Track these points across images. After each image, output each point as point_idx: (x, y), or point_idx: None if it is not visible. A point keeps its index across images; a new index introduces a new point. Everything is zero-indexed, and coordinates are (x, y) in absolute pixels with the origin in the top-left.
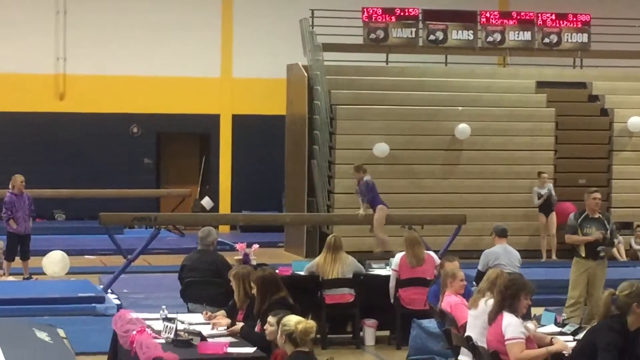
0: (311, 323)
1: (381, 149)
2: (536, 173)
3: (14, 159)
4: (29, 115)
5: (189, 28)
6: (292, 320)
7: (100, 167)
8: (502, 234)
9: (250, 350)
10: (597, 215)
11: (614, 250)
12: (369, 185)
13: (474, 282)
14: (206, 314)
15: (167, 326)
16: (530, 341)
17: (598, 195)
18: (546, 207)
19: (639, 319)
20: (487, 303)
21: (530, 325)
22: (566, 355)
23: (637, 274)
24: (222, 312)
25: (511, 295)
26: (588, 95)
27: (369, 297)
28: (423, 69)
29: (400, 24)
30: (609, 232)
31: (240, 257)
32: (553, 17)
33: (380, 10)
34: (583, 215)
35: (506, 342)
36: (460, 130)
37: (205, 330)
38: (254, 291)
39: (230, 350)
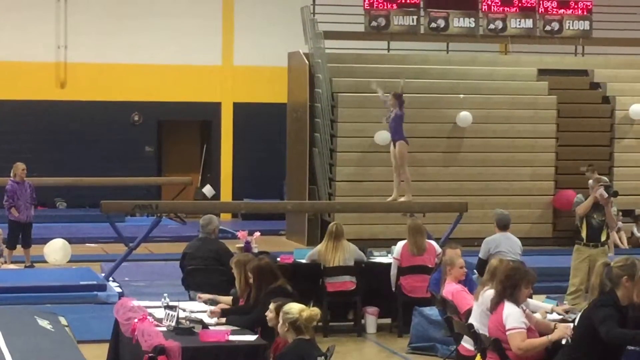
0: (315, 310)
1: (383, 136)
2: (537, 161)
3: (15, 147)
4: (30, 103)
5: (190, 15)
6: (295, 308)
7: (102, 155)
8: (503, 228)
9: (252, 338)
10: (601, 202)
11: (616, 237)
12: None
13: (475, 270)
14: (200, 298)
15: (168, 314)
16: (532, 331)
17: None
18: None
19: (628, 293)
20: (483, 294)
21: (538, 315)
22: (567, 339)
23: None
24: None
25: (512, 285)
26: (590, 82)
27: (370, 285)
28: (424, 56)
29: (401, 12)
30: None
31: (242, 245)
32: (554, 4)
33: None
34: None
35: (507, 333)
36: (461, 118)
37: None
38: (252, 280)
39: (232, 338)
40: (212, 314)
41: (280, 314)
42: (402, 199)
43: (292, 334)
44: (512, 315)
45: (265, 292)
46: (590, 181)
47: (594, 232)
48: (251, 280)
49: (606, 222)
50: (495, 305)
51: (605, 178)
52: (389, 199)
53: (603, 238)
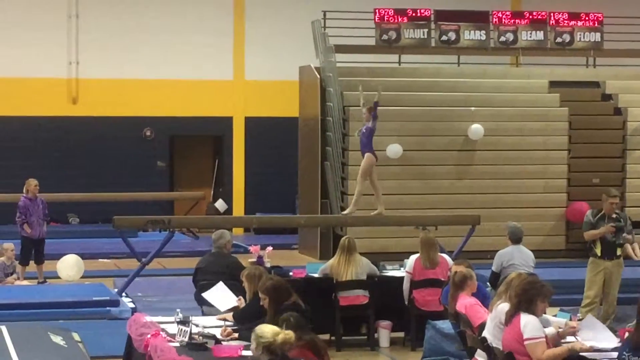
0: (290, 334)
1: (394, 150)
2: (549, 173)
3: (27, 163)
4: (42, 119)
5: (201, 31)
6: (268, 331)
7: (114, 170)
8: (516, 241)
9: None
10: (613, 215)
11: (630, 249)
12: (373, 130)
13: (488, 283)
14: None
15: (181, 329)
16: (547, 342)
17: (616, 200)
18: None
19: None
20: (497, 308)
21: (551, 329)
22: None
23: None
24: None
25: (528, 300)
26: (601, 94)
27: (383, 299)
28: (435, 69)
29: (412, 25)
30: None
31: (254, 259)
32: (565, 16)
33: (392, 12)
34: (600, 214)
35: (526, 342)
36: (473, 131)
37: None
38: (264, 302)
39: (245, 353)
40: (224, 333)
41: (253, 337)
42: (346, 212)
43: (265, 357)
44: (530, 324)
45: (281, 309)
46: (604, 195)
47: (608, 248)
48: (265, 301)
49: (623, 237)
50: (511, 317)
51: (615, 191)
52: (374, 213)
53: (618, 252)
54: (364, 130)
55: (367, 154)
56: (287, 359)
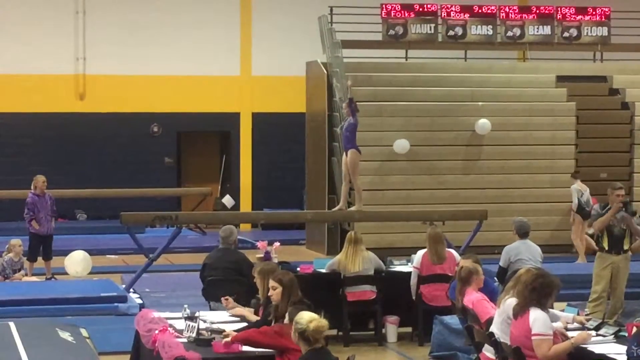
0: (323, 322)
1: (401, 145)
2: (556, 167)
3: (35, 159)
4: (50, 115)
5: (208, 27)
6: (305, 317)
7: (121, 166)
8: (523, 235)
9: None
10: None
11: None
12: (356, 125)
13: (495, 278)
14: (226, 299)
15: (189, 325)
16: (556, 336)
17: (621, 192)
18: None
19: None
20: (505, 303)
21: (559, 324)
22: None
23: None
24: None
25: (547, 294)
26: (608, 88)
27: (390, 294)
28: (442, 64)
29: (419, 20)
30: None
31: (262, 255)
32: (572, 11)
33: (399, 6)
34: (607, 208)
35: (533, 338)
36: (480, 126)
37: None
38: (275, 292)
39: (245, 349)
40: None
41: (293, 323)
42: (353, 208)
43: (303, 344)
44: (539, 319)
45: (291, 303)
46: (609, 189)
47: (615, 241)
48: (276, 291)
49: (631, 232)
50: (522, 310)
51: (620, 184)
52: (335, 208)
53: (626, 246)
54: (346, 125)
55: (351, 150)
56: (326, 349)
